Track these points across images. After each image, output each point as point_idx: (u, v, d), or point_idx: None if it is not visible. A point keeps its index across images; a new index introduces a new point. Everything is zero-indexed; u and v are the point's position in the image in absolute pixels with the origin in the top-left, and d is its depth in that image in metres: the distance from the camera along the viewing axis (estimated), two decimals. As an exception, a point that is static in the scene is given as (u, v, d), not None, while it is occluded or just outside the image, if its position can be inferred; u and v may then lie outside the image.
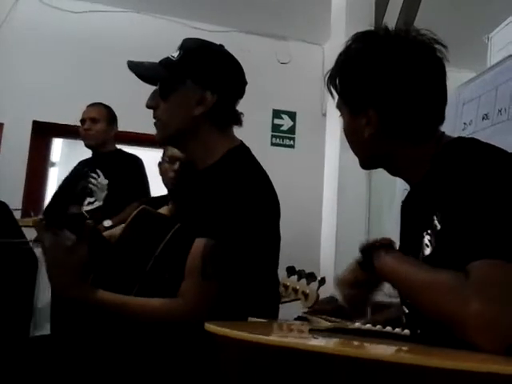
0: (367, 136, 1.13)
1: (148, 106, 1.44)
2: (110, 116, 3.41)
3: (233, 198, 1.28)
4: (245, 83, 1.49)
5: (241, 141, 1.48)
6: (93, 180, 3.27)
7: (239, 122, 1.48)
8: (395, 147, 1.13)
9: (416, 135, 1.12)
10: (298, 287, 2.14)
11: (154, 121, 1.45)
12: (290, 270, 2.15)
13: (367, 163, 1.22)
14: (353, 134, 1.19)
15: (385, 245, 1.07)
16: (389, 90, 1.09)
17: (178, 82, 1.39)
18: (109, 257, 1.34)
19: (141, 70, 1.43)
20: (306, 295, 2.11)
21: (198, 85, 1.39)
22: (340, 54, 1.18)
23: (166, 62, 1.42)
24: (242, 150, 1.45)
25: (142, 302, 1.28)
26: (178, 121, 1.41)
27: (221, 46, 1.49)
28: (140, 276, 1.34)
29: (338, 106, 1.22)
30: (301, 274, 2.16)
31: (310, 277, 2.13)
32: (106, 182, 3.30)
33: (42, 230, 1.24)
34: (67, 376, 1.24)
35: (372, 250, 1.07)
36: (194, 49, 1.43)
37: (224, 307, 1.23)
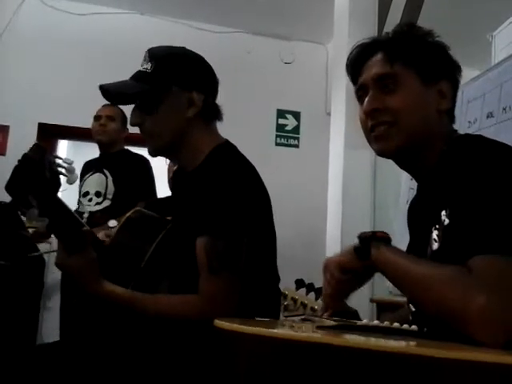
0: (441, 109, 1.12)
1: (133, 124, 1.43)
2: (124, 117, 3.44)
3: (224, 194, 1.30)
4: (216, 77, 1.50)
5: (225, 138, 1.49)
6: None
7: (221, 117, 1.50)
8: (442, 129, 1.13)
9: (452, 122, 1.17)
10: (306, 302, 2.15)
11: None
12: (299, 283, 2.15)
13: (409, 143, 1.11)
14: (422, 104, 1.11)
15: (384, 238, 1.06)
16: (457, 65, 1.16)
17: (162, 92, 1.38)
18: (103, 256, 1.36)
19: (119, 89, 1.41)
20: (314, 310, 2.12)
21: (183, 88, 1.40)
22: (402, 27, 1.18)
23: (141, 75, 1.39)
24: (228, 147, 1.47)
25: (165, 298, 1.32)
26: (173, 128, 1.41)
27: (183, 48, 1.48)
28: (135, 273, 1.36)
29: (397, 74, 1.11)
30: (309, 288, 2.16)
31: (319, 291, 2.13)
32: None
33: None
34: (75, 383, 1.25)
35: (371, 239, 1.06)
36: (165, 56, 1.42)
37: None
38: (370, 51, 1.16)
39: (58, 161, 3.17)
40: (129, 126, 3.47)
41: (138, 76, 1.40)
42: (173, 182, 1.72)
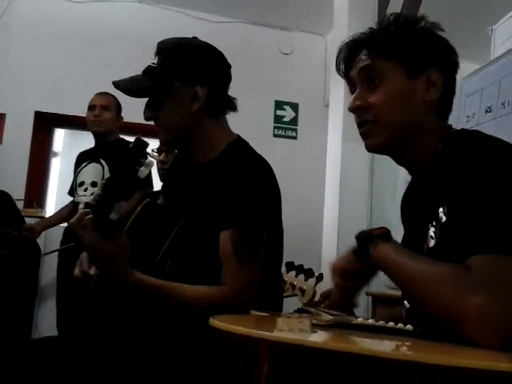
0: (429, 99, 1.08)
1: (146, 119, 1.46)
2: (118, 106, 3.42)
3: (246, 188, 1.33)
4: (229, 67, 1.50)
5: (237, 134, 1.52)
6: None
7: (234, 108, 1.50)
8: (433, 120, 1.11)
9: (447, 111, 1.14)
10: (295, 283, 2.17)
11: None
12: (289, 265, 2.18)
13: (393, 138, 1.11)
14: (405, 97, 1.10)
15: (383, 234, 1.04)
16: (449, 50, 1.13)
17: (166, 88, 1.41)
18: None
19: (127, 87, 1.44)
20: (303, 291, 2.15)
21: (185, 83, 1.41)
22: (387, 19, 1.15)
23: (149, 70, 1.44)
24: (242, 143, 1.49)
25: (194, 288, 1.30)
26: (179, 122, 1.44)
27: (195, 38, 1.50)
28: (150, 267, 1.35)
29: (379, 68, 1.11)
30: (299, 270, 2.18)
31: (308, 273, 2.16)
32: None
33: (79, 229, 1.23)
34: (73, 378, 1.24)
35: (369, 238, 1.05)
36: (170, 49, 1.44)
37: None
38: (355, 50, 1.16)
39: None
40: (124, 114, 3.45)
41: (147, 71, 1.44)
42: (170, 172, 1.72)
